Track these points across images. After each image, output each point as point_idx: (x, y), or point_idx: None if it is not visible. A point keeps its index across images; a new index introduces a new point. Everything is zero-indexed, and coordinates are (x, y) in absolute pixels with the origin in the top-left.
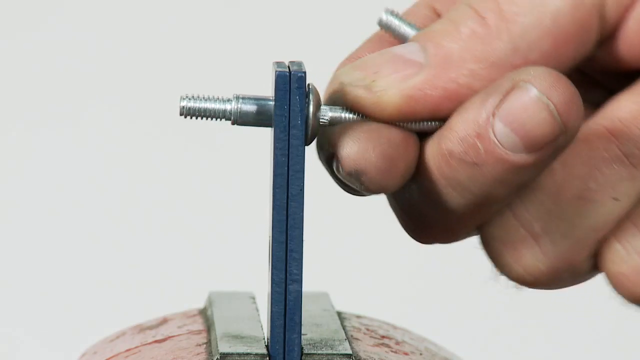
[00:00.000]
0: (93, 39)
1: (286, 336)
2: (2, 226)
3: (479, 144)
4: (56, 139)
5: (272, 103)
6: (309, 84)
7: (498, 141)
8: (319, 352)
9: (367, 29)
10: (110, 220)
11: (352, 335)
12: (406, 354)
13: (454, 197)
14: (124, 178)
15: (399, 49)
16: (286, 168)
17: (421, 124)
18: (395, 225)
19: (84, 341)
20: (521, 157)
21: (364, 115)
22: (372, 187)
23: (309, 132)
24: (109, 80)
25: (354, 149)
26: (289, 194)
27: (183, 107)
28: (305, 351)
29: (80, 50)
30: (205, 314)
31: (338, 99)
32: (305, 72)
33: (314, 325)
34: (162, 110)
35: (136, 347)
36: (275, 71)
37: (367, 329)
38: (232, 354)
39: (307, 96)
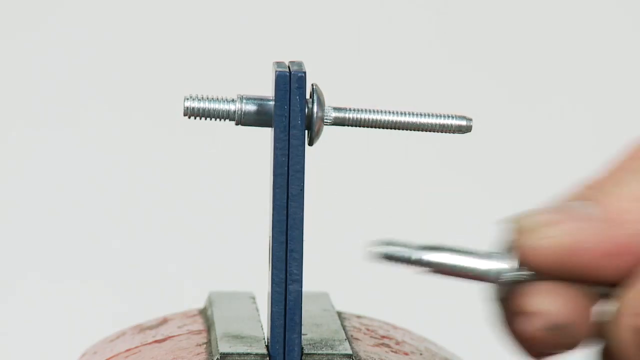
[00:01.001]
0: (94, 39)
1: (286, 336)
2: (1, 226)
3: None
4: (56, 139)
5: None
6: (313, 84)
7: None
8: (319, 352)
9: (366, 29)
10: (110, 220)
11: (352, 335)
12: (406, 354)
13: None
14: (124, 178)
15: (574, 202)
16: (286, 168)
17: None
18: (395, 226)
19: (84, 341)
20: None
21: (522, 264)
22: (570, 341)
23: (314, 133)
24: (109, 80)
25: (555, 302)
26: (289, 194)
27: (187, 107)
28: (305, 351)
29: (81, 49)
30: (205, 314)
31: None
32: (305, 72)
33: (314, 325)
34: (162, 110)
35: (136, 347)
36: (275, 71)
37: (367, 329)
38: (232, 354)
39: (312, 96)
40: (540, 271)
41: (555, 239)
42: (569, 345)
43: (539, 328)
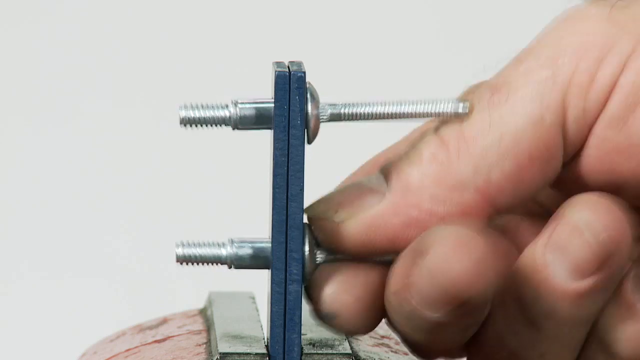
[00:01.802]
0: (93, 40)
1: (286, 336)
2: (1, 226)
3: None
4: (58, 140)
5: (271, 105)
6: (307, 82)
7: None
8: (319, 352)
9: (367, 29)
10: (110, 221)
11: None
12: (406, 353)
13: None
14: (124, 179)
15: (363, 179)
16: (286, 168)
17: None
18: None
19: (84, 341)
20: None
21: (331, 249)
22: (344, 329)
23: (310, 132)
24: (109, 81)
25: (329, 291)
26: (289, 194)
27: (183, 117)
28: (305, 351)
29: (79, 51)
30: (205, 314)
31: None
32: (305, 72)
33: (314, 325)
34: (162, 111)
35: (136, 347)
36: (275, 71)
37: None
38: (232, 354)
39: (306, 95)
40: (349, 253)
41: (352, 220)
42: (350, 332)
43: (317, 316)
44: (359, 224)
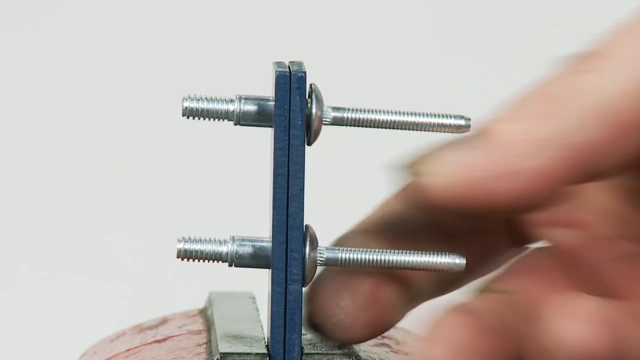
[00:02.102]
0: (93, 40)
1: (286, 336)
2: (1, 226)
3: None
4: (58, 139)
5: (273, 103)
6: (311, 84)
7: None
8: (319, 352)
9: (367, 30)
10: (110, 220)
11: None
12: (406, 353)
13: None
14: (124, 179)
15: (458, 137)
16: (286, 168)
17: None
18: None
19: (84, 341)
20: None
21: (419, 200)
22: (334, 339)
23: (312, 132)
24: (109, 81)
25: (329, 295)
26: (289, 194)
27: (186, 107)
28: (305, 351)
29: (79, 51)
30: (205, 314)
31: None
32: (305, 72)
33: None
34: (162, 111)
35: (136, 347)
36: (276, 71)
37: None
38: (232, 353)
39: (310, 96)
40: (445, 207)
41: (448, 173)
42: (345, 339)
43: (311, 323)
44: (457, 177)
